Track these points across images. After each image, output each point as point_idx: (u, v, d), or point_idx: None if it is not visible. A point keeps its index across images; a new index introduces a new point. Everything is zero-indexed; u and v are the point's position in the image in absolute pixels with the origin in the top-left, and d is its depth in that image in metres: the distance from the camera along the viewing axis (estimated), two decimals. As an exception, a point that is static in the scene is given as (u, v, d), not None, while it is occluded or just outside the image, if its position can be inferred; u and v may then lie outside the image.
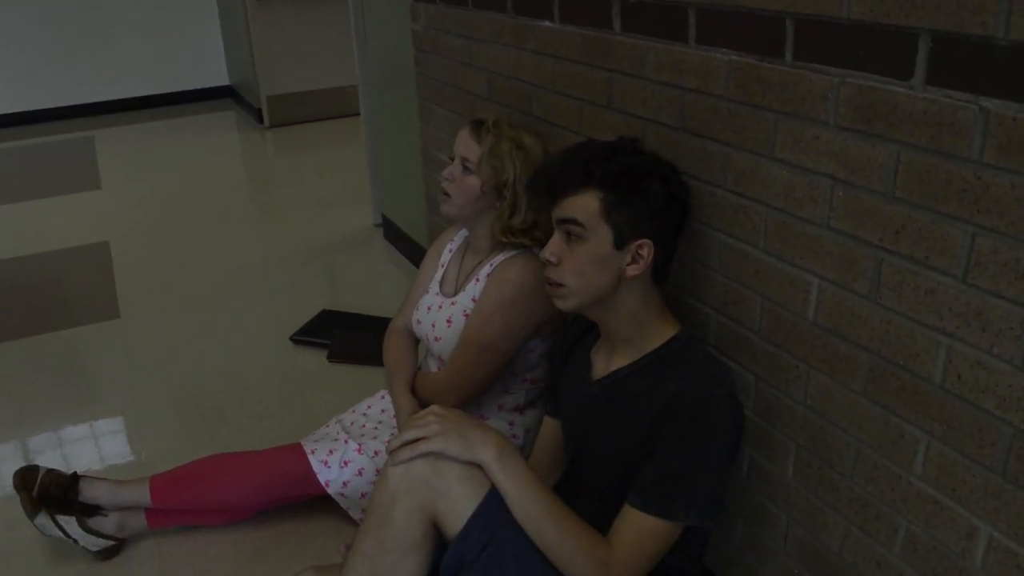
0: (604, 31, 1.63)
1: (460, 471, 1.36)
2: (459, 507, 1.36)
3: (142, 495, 1.97)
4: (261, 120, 5.97)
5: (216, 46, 6.88)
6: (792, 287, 1.31)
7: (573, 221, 1.36)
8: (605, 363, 1.50)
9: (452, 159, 1.90)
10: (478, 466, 1.36)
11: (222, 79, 7.00)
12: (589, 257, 1.36)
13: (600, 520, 1.38)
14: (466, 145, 1.86)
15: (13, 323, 3.20)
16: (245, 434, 2.44)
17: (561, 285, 1.39)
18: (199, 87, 6.92)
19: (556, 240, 1.40)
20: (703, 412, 1.31)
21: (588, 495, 1.53)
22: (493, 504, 1.36)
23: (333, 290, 3.37)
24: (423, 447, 1.36)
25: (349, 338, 2.85)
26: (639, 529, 1.31)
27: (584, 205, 1.35)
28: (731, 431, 1.33)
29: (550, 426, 1.72)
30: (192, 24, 6.72)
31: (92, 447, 2.43)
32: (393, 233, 3.67)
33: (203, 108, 6.75)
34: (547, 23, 1.83)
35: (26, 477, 1.92)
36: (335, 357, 2.80)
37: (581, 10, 1.70)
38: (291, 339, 2.93)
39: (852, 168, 1.15)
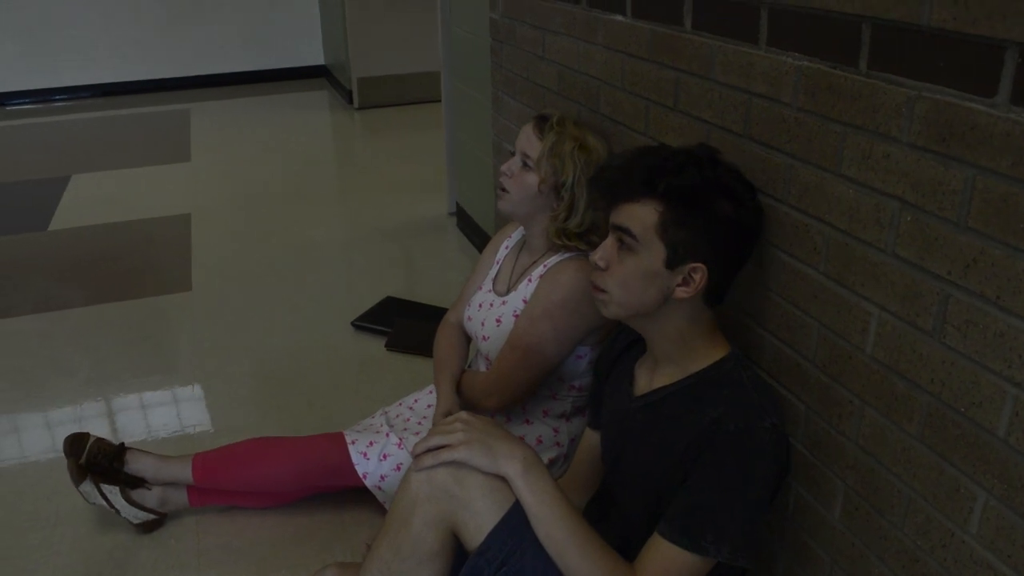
0: (674, 28, 1.54)
1: (483, 483, 1.31)
2: (480, 520, 1.31)
3: (184, 472, 1.99)
4: (351, 101, 6.04)
5: (314, 26, 6.99)
6: (851, 316, 1.20)
7: (627, 231, 1.28)
8: (648, 379, 1.42)
9: (513, 153, 1.84)
10: (503, 479, 1.31)
11: (318, 59, 7.11)
12: (637, 271, 1.28)
13: (628, 544, 1.32)
14: (528, 140, 1.80)
15: (88, 289, 3.30)
16: (296, 417, 2.44)
17: (604, 291, 1.33)
18: (295, 65, 7.05)
19: (608, 245, 1.32)
20: (743, 443, 1.22)
21: (618, 516, 1.46)
22: (515, 520, 1.30)
23: (401, 277, 3.37)
24: (446, 455, 1.31)
25: (409, 328, 2.83)
26: (666, 560, 1.23)
27: (641, 216, 1.27)
28: (772, 466, 1.24)
29: (591, 438, 1.65)
30: (292, 3, 6.84)
31: (143, 417, 2.48)
32: (465, 223, 3.64)
33: (298, 87, 6.87)
34: (619, 17, 1.75)
35: (75, 443, 1.96)
36: (393, 346, 2.78)
37: (654, 5, 1.61)
38: (353, 324, 2.93)
39: (923, 191, 1.04)
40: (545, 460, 1.93)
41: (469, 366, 2.07)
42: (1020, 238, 0.92)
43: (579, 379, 1.88)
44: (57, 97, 6.56)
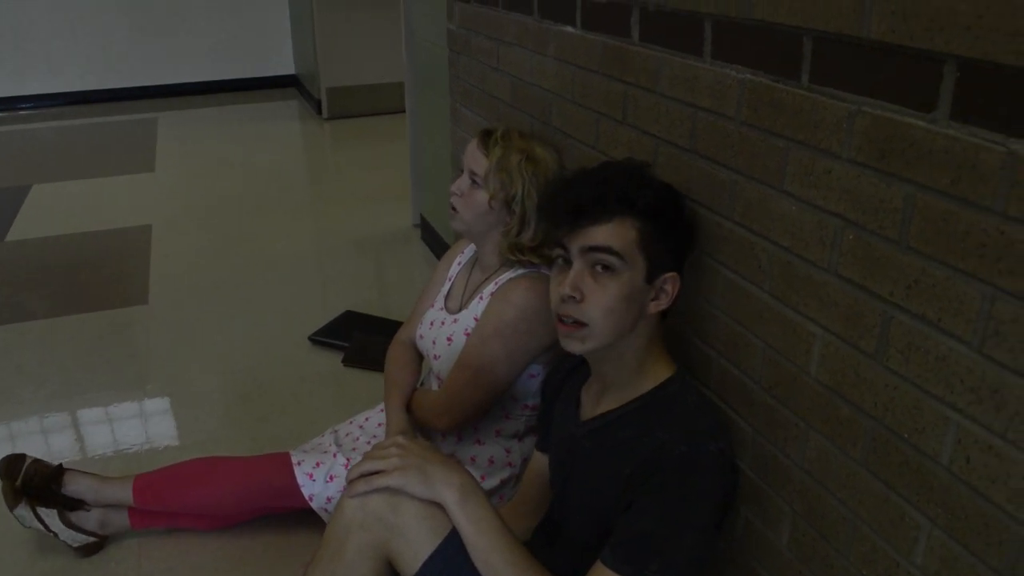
0: (623, 40, 1.51)
1: (419, 510, 1.26)
2: (415, 548, 1.26)
3: (125, 493, 1.92)
4: (320, 111, 5.98)
5: (284, 35, 6.94)
6: (795, 336, 1.16)
7: (608, 250, 1.21)
8: (593, 403, 1.38)
9: (462, 171, 1.80)
10: (440, 506, 1.26)
11: (288, 68, 7.05)
12: (621, 292, 1.22)
13: (575, 572, 1.27)
14: (474, 157, 1.76)
15: (39, 303, 3.22)
16: (246, 434, 2.38)
17: (583, 324, 1.24)
18: (266, 75, 6.98)
19: (580, 273, 1.24)
20: (688, 468, 1.18)
21: (565, 544, 1.41)
22: (452, 549, 1.25)
23: (363, 290, 3.31)
24: (380, 481, 1.26)
25: (366, 343, 2.77)
26: (609, 589, 1.19)
27: (620, 234, 1.22)
28: (719, 491, 1.20)
29: (539, 461, 1.60)
30: (262, 12, 6.79)
31: (88, 433, 2.40)
32: (430, 235, 3.59)
33: (268, 96, 6.80)
34: (569, 28, 1.71)
35: (11, 465, 1.89)
36: (350, 361, 2.72)
37: (603, 16, 1.58)
38: (310, 339, 2.87)
39: (864, 209, 1.01)
40: (497, 480, 1.88)
41: (421, 384, 2.01)
42: (960, 258, 0.89)
43: (532, 398, 1.83)
44: (22, 105, 6.44)
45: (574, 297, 1.23)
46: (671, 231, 1.27)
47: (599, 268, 1.22)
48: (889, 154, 0.96)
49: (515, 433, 1.89)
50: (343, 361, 2.74)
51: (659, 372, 1.30)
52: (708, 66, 1.27)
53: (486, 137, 1.74)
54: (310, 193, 4.65)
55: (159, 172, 4.85)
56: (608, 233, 1.22)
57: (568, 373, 1.51)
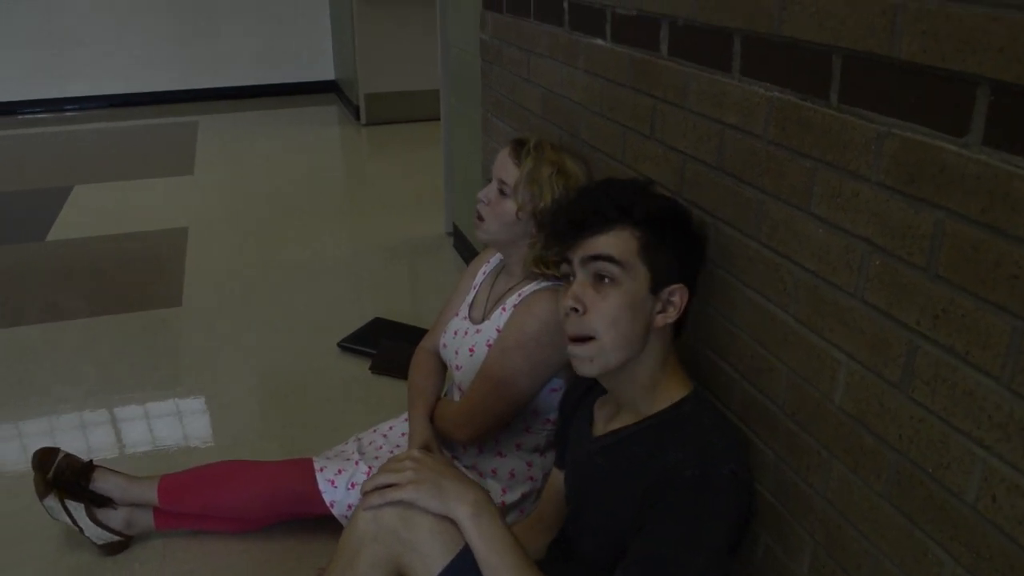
0: (652, 54, 1.49)
1: (432, 525, 1.25)
2: (428, 564, 1.25)
3: (151, 494, 1.93)
4: (358, 117, 6.02)
5: (325, 41, 7.00)
6: (819, 362, 1.13)
7: (608, 258, 1.22)
8: (607, 420, 1.36)
9: (490, 180, 1.79)
10: (453, 521, 1.24)
11: (328, 74, 7.11)
12: (624, 301, 1.22)
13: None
14: (504, 167, 1.74)
15: (77, 302, 3.27)
16: (272, 438, 2.39)
17: (589, 338, 1.23)
18: (306, 80, 7.05)
19: (581, 284, 1.24)
20: (700, 490, 1.16)
21: (579, 561, 1.39)
22: (464, 565, 1.23)
23: (393, 297, 3.31)
24: (393, 495, 1.25)
25: (394, 350, 2.77)
26: (620, 614, 1.16)
27: (620, 244, 1.22)
28: (732, 513, 1.17)
29: (557, 477, 1.58)
30: (304, 18, 6.86)
31: (112, 432, 2.43)
32: (462, 243, 3.59)
33: (309, 101, 6.87)
34: (599, 41, 1.70)
35: (44, 458, 1.92)
36: (377, 368, 2.72)
37: (632, 30, 1.56)
38: (339, 345, 2.88)
39: (892, 235, 0.98)
40: (518, 495, 1.87)
41: (445, 394, 2.00)
42: (990, 289, 0.86)
43: (554, 412, 1.81)
44: (68, 107, 6.58)
45: (576, 309, 1.23)
46: (675, 241, 1.26)
47: (601, 278, 1.22)
48: (919, 178, 0.93)
49: (536, 447, 1.87)
50: (370, 368, 2.74)
51: (674, 391, 1.28)
52: (736, 82, 1.24)
53: (518, 147, 1.73)
54: (345, 198, 4.68)
55: (198, 175, 4.92)
56: (607, 242, 1.22)
57: (587, 390, 1.49)
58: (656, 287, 1.23)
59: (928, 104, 0.91)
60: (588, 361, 1.24)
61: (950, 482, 0.94)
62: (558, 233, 1.30)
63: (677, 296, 1.25)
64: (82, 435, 2.43)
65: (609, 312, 1.22)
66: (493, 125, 2.50)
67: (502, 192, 1.74)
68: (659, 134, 1.49)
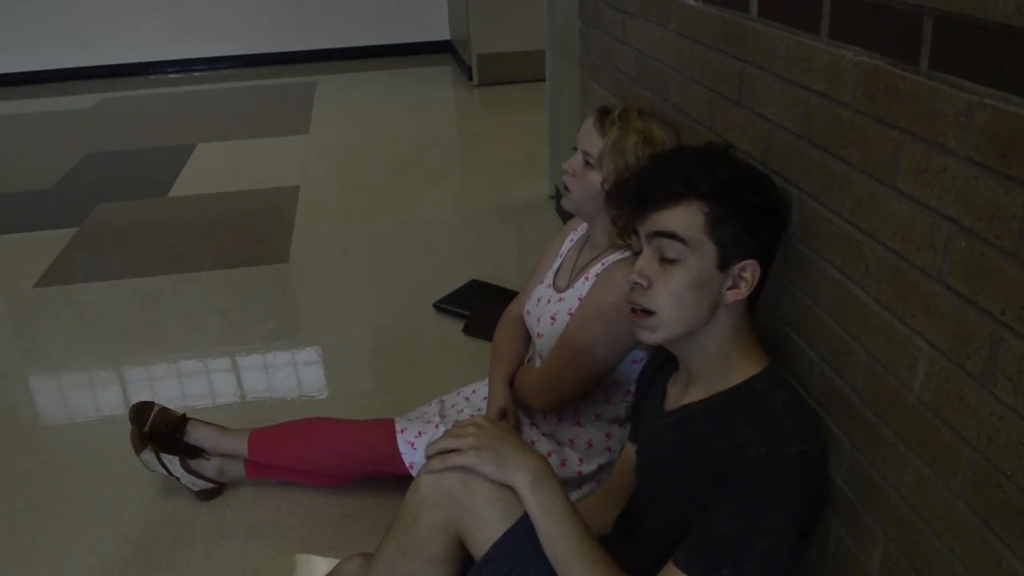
0: (742, 14, 1.41)
1: (491, 491, 1.25)
2: (486, 529, 1.26)
3: (241, 446, 2.02)
4: (471, 78, 6.02)
5: (442, 1, 7.02)
6: (900, 349, 1.06)
7: (673, 235, 1.17)
8: (679, 394, 1.32)
9: (575, 149, 1.75)
10: (512, 489, 1.24)
11: (444, 34, 7.14)
12: (689, 279, 1.18)
13: (655, 566, 1.22)
14: (589, 137, 1.71)
15: (191, 258, 3.43)
16: (362, 395, 2.45)
17: (651, 313, 1.21)
18: (422, 40, 7.10)
19: (647, 259, 1.21)
20: (765, 471, 1.11)
21: (644, 536, 1.36)
22: (521, 533, 1.24)
23: (492, 258, 3.32)
24: (453, 460, 1.26)
25: (487, 313, 2.78)
26: (678, 592, 1.14)
27: (686, 219, 1.17)
28: (798, 497, 1.12)
29: (630, 451, 1.56)
30: (420, -23, 6.89)
31: (206, 383, 2.55)
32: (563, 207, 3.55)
33: (425, 62, 6.93)
34: (691, 1, 1.62)
35: (140, 412, 2.03)
36: (469, 331, 2.75)
37: (724, -12, 1.48)
38: (434, 305, 2.92)
39: (979, 215, 0.89)
40: (595, 465, 1.86)
41: (528, 360, 2.00)
42: (1083, 279, 0.77)
43: (634, 384, 1.78)
44: (196, 68, 6.88)
45: (640, 284, 1.19)
46: (748, 214, 1.18)
47: (665, 254, 1.17)
48: (1011, 154, 0.84)
49: (616, 418, 1.85)
50: (463, 330, 2.76)
51: (747, 367, 1.23)
52: (824, 46, 1.16)
53: (603, 116, 1.69)
54: (453, 159, 4.71)
55: (312, 134, 5.05)
56: (672, 217, 1.17)
57: (663, 364, 1.45)
58: (724, 264, 1.18)
59: (1022, 71, 0.82)
60: (650, 332, 1.22)
61: (1030, 487, 0.86)
62: (624, 205, 1.26)
63: (749, 272, 1.19)
64: (178, 385, 2.57)
65: (673, 290, 1.18)
66: (591, 89, 2.45)
67: (588, 163, 1.70)
68: (747, 100, 1.42)
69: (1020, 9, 0.80)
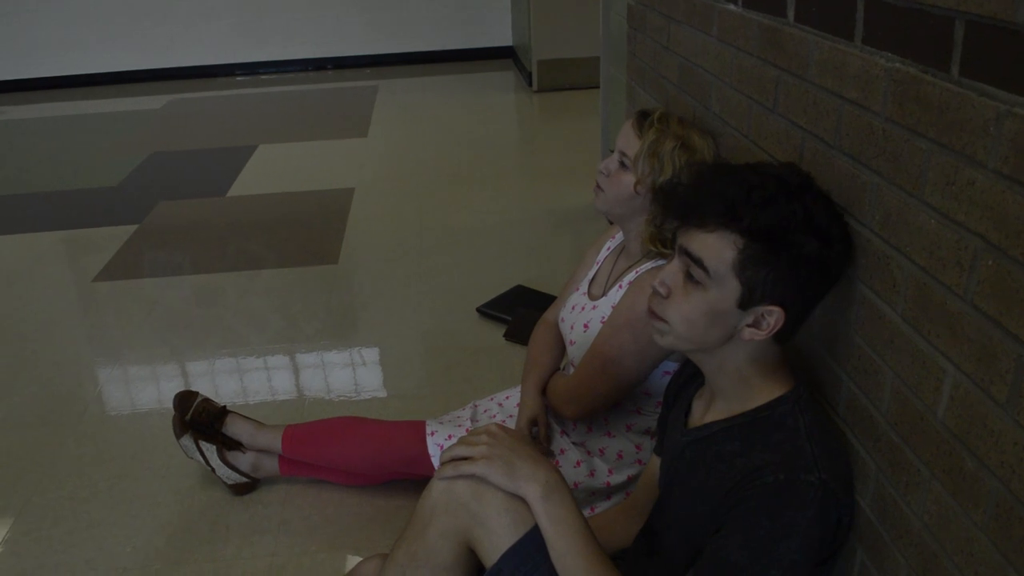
0: (779, 20, 1.37)
1: (503, 501, 1.23)
2: (495, 539, 1.24)
3: (275, 442, 2.04)
4: (531, 84, 6.02)
5: (504, 6, 7.04)
6: (925, 370, 1.01)
7: (699, 262, 1.11)
8: (702, 412, 1.29)
9: (612, 150, 1.73)
10: (524, 500, 1.22)
11: (507, 40, 7.16)
12: (703, 307, 1.13)
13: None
14: (626, 138, 1.68)
15: (242, 256, 3.50)
16: (402, 399, 2.46)
17: (663, 320, 1.18)
18: (485, 45, 7.13)
19: (674, 270, 1.16)
20: (780, 499, 1.07)
21: (661, 558, 1.33)
22: (531, 544, 1.22)
23: (540, 264, 3.31)
24: (465, 468, 1.24)
25: (529, 319, 2.76)
26: (686, 617, 1.11)
27: (717, 249, 1.10)
28: (815, 526, 1.07)
29: (654, 464, 1.53)
30: (485, -16, 6.93)
31: (244, 381, 2.59)
32: (612, 215, 3.51)
33: (487, 67, 6.95)
34: (731, 6, 1.58)
35: (183, 401, 2.08)
36: (511, 336, 2.73)
37: (764, -7, 1.44)
38: (477, 310, 2.91)
39: (1007, 231, 0.84)
40: (624, 476, 1.82)
41: (563, 368, 1.98)
42: (1111, 303, 0.72)
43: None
44: (263, 70, 7.03)
45: (660, 292, 1.16)
46: (789, 263, 1.08)
47: (691, 273, 1.13)
48: (1039, 167, 0.79)
49: (647, 430, 1.82)
50: (505, 335, 2.75)
51: (771, 389, 1.18)
52: (858, 52, 1.11)
53: (642, 119, 1.66)
54: (508, 165, 4.71)
55: (371, 138, 5.11)
56: (705, 243, 1.11)
57: (689, 378, 1.42)
58: (746, 304, 1.11)
59: (1054, 80, 0.77)
60: (660, 335, 1.19)
61: (1052, 523, 0.81)
62: (668, 212, 1.20)
63: (773, 318, 1.11)
64: (219, 381, 2.61)
65: (687, 311, 1.14)
66: (637, 95, 2.42)
67: (623, 164, 1.68)
68: (782, 108, 1.37)
69: (1050, 13, 0.76)
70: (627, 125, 1.70)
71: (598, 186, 1.74)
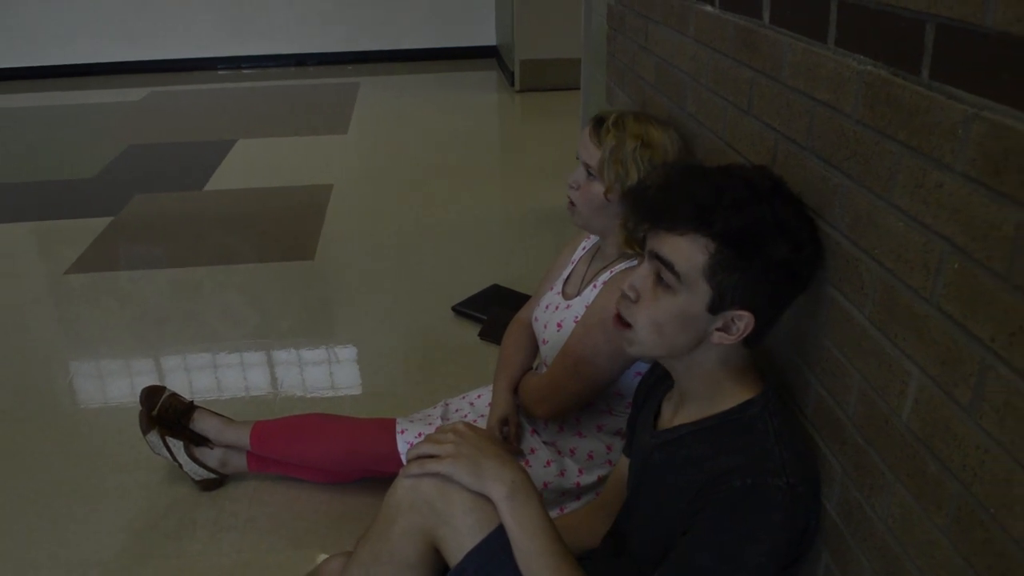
0: (754, 21, 1.36)
1: (468, 501, 1.22)
2: (460, 538, 1.23)
3: (243, 438, 2.02)
4: (513, 83, 6.01)
5: (488, 6, 7.03)
6: (890, 373, 1.01)
7: (670, 267, 1.10)
8: (671, 414, 1.28)
9: (578, 159, 1.72)
10: (489, 499, 1.21)
11: (490, 39, 7.15)
12: (673, 312, 1.11)
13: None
14: (586, 148, 1.66)
15: (218, 250, 3.46)
16: (376, 397, 2.44)
17: (628, 326, 1.16)
18: (468, 45, 7.12)
19: (644, 274, 1.15)
20: (746, 502, 1.06)
21: (628, 560, 1.32)
22: (496, 544, 1.21)
23: (517, 264, 3.30)
24: (431, 467, 1.23)
25: (503, 318, 2.74)
26: (652, 619, 1.10)
27: (688, 254, 1.08)
28: (778, 531, 1.07)
29: (623, 465, 1.52)
30: (469, -17, 6.92)
31: (215, 376, 2.56)
32: (591, 216, 3.51)
33: (470, 66, 6.94)
34: (708, 7, 1.58)
35: (151, 395, 2.05)
36: (486, 335, 2.72)
37: (741, -6, 1.44)
38: (453, 309, 2.90)
39: (973, 234, 0.84)
40: (595, 477, 1.82)
41: (536, 368, 1.97)
42: (1073, 307, 0.72)
43: (635, 397, 1.74)
44: (244, 65, 6.98)
45: (629, 296, 1.14)
46: (760, 268, 1.08)
47: (660, 279, 1.12)
48: (1004, 171, 0.79)
49: (618, 431, 1.81)
50: (479, 335, 2.74)
51: (740, 392, 1.18)
52: (830, 54, 1.11)
53: (597, 126, 1.65)
54: (488, 164, 4.70)
55: (351, 134, 5.08)
56: (675, 247, 1.09)
57: (659, 379, 1.41)
58: (716, 308, 1.10)
59: (1021, 83, 0.77)
60: (627, 344, 1.17)
61: (1013, 527, 0.80)
62: (637, 215, 1.18)
63: (742, 323, 1.10)
64: (184, 377, 2.58)
65: (655, 316, 1.12)
66: (616, 96, 2.41)
67: (589, 174, 1.66)
68: (756, 110, 1.37)
69: (1019, 16, 0.76)
70: (585, 134, 1.68)
71: (571, 203, 1.72)
